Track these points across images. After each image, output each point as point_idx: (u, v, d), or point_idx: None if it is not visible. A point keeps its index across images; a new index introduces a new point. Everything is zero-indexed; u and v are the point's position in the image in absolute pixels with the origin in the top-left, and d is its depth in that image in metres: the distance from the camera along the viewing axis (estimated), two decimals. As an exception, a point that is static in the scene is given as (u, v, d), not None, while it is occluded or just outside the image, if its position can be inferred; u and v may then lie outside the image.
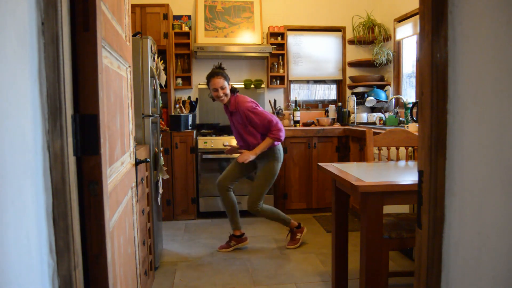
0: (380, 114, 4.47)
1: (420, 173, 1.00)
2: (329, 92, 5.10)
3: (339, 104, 4.80)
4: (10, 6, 0.79)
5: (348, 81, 5.00)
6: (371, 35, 4.66)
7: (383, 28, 4.65)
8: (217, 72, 3.12)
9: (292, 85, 4.99)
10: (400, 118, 4.24)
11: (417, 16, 3.70)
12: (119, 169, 1.48)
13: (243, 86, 4.75)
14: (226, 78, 3.14)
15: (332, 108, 4.79)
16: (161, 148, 3.53)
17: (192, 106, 4.50)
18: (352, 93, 4.86)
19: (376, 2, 4.84)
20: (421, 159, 1.00)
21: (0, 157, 0.74)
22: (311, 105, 5.05)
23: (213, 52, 4.37)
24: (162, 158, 3.04)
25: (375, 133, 3.06)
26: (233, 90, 3.20)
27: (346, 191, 2.21)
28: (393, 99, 4.56)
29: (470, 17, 0.88)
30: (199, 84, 4.72)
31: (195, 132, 4.22)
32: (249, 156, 3.12)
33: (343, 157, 4.34)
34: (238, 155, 3.34)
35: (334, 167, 2.25)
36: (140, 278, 1.98)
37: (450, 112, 0.93)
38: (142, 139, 2.71)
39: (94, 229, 1.09)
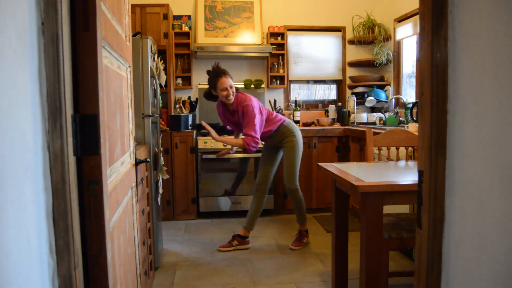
0: (380, 114, 4.47)
1: (420, 173, 1.00)
2: (329, 92, 5.10)
3: (339, 104, 4.80)
4: (10, 6, 0.79)
5: (348, 81, 5.00)
6: (371, 35, 4.66)
7: (383, 28, 4.65)
8: (224, 71, 3.13)
9: (292, 85, 4.99)
10: (400, 118, 4.24)
11: (417, 16, 3.70)
12: (119, 169, 1.48)
13: (243, 86, 4.75)
14: (231, 78, 3.16)
15: (332, 108, 4.79)
16: (161, 148, 3.54)
17: (192, 106, 4.50)
18: (352, 93, 4.86)
19: (376, 2, 4.84)
20: (421, 159, 1.00)
21: (0, 157, 0.74)
22: (311, 105, 5.05)
23: (213, 52, 4.37)
24: (162, 158, 3.04)
25: (375, 133, 3.06)
26: (236, 89, 3.21)
27: (346, 191, 2.21)
28: (393, 99, 4.56)
29: (470, 17, 0.88)
30: (199, 84, 4.72)
31: (195, 132, 4.22)
32: (212, 135, 3.11)
33: (343, 157, 4.34)
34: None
35: (334, 167, 2.25)
36: (140, 278, 1.98)
37: (450, 112, 0.93)
38: (142, 139, 2.71)
39: (94, 229, 1.09)
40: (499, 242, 0.81)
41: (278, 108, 4.74)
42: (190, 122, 4.19)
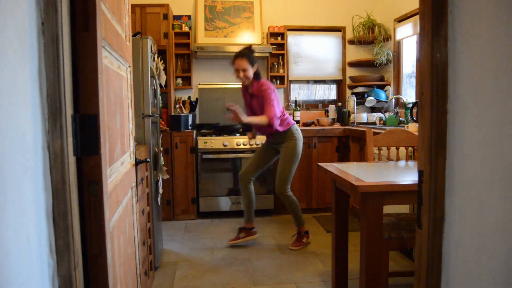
0: (380, 114, 4.47)
1: (420, 173, 1.00)
2: (329, 92, 5.10)
3: (339, 104, 4.80)
4: (10, 6, 0.79)
5: (348, 81, 5.00)
6: (371, 35, 4.66)
7: (383, 28, 4.65)
8: (243, 53, 3.16)
9: (292, 85, 4.99)
10: (400, 118, 4.24)
11: (417, 16, 3.70)
12: (119, 169, 1.48)
13: (243, 86, 4.75)
14: (251, 61, 3.17)
15: (332, 108, 4.79)
16: (161, 148, 3.53)
17: (192, 106, 4.50)
18: (352, 93, 4.86)
19: (376, 2, 4.84)
20: (421, 159, 1.00)
21: (0, 157, 0.74)
22: (311, 105, 5.05)
23: (213, 52, 4.37)
24: (162, 158, 3.04)
25: (375, 133, 3.06)
26: (257, 75, 3.22)
27: (346, 191, 2.21)
28: (393, 99, 4.56)
29: (470, 17, 0.88)
30: (199, 84, 4.72)
31: (195, 132, 4.22)
32: (241, 117, 3.04)
33: (343, 157, 4.34)
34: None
35: (334, 167, 2.25)
36: (140, 278, 1.98)
37: (450, 112, 0.93)
38: (142, 139, 2.71)
39: (94, 229, 1.09)
40: (499, 242, 0.81)
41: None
42: (190, 122, 4.19)
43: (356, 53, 4.98)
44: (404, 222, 2.15)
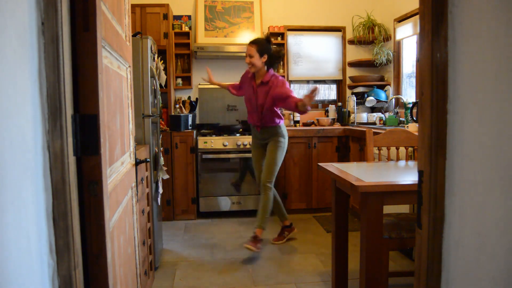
0: (380, 114, 4.47)
1: (420, 173, 1.00)
2: (329, 92, 5.10)
3: (339, 104, 4.80)
4: (10, 6, 0.79)
5: (348, 81, 5.00)
6: (371, 35, 4.66)
7: (383, 28, 4.65)
8: (254, 40, 3.25)
9: (292, 85, 4.99)
10: (400, 118, 4.24)
11: (417, 16, 3.70)
12: (119, 169, 1.48)
13: (243, 86, 4.75)
14: (261, 49, 3.21)
15: (332, 108, 4.79)
16: (161, 148, 3.54)
17: (192, 106, 4.50)
18: (352, 93, 4.86)
19: (376, 2, 4.84)
20: (421, 159, 1.00)
21: (0, 157, 0.74)
22: (311, 105, 5.05)
23: (213, 52, 4.37)
24: (162, 158, 3.04)
25: (375, 133, 3.06)
26: (271, 66, 3.28)
27: (346, 191, 2.21)
28: (393, 99, 4.56)
29: (470, 17, 0.88)
30: (199, 84, 4.72)
31: (195, 132, 4.22)
32: (310, 100, 3.04)
33: (343, 157, 4.34)
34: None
35: (334, 167, 2.25)
36: (140, 278, 1.98)
37: (450, 112, 0.93)
38: (142, 139, 2.71)
39: (94, 229, 1.09)
40: (499, 242, 0.81)
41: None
42: (190, 122, 4.19)
43: (356, 53, 4.97)
44: (404, 222, 2.15)
